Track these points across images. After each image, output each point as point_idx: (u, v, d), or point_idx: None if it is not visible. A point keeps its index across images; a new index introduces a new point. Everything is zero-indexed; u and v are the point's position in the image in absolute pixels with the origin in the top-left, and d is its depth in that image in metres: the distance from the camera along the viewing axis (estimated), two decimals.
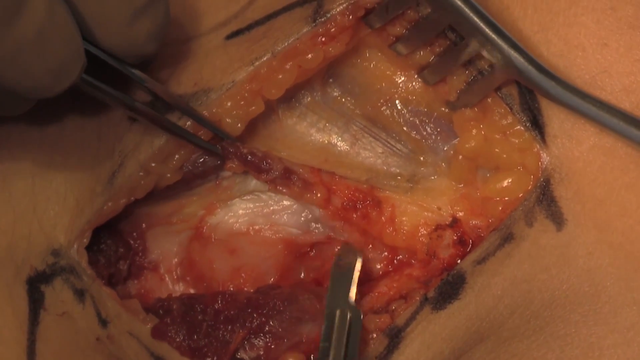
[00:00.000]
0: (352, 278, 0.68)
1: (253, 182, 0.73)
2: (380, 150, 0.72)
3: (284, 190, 0.70)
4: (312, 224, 0.73)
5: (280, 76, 0.66)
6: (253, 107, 0.66)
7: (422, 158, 0.71)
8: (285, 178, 0.70)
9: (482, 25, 0.61)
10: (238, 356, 0.67)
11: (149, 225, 0.73)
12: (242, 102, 0.66)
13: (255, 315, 0.67)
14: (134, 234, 0.73)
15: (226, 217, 0.74)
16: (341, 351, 0.64)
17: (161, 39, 0.61)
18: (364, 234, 0.72)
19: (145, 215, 0.73)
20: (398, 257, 0.72)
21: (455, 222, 0.69)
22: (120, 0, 0.58)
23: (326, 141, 0.72)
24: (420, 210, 0.71)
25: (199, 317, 0.67)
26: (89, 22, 0.58)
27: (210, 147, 0.68)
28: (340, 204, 0.71)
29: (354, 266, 0.69)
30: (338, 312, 0.66)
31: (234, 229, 0.73)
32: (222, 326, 0.67)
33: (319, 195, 0.70)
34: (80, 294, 0.66)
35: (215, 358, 0.66)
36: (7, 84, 0.54)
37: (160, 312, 0.68)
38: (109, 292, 0.67)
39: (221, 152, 0.68)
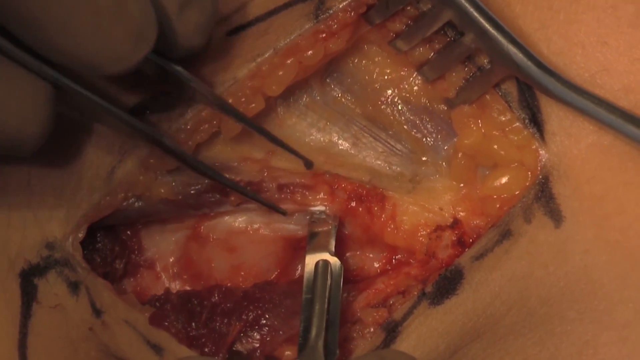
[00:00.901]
0: (330, 230, 0.68)
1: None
2: (381, 149, 0.72)
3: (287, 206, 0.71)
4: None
5: (281, 72, 0.65)
6: (253, 105, 0.66)
7: (423, 158, 0.71)
8: (281, 192, 0.70)
9: (481, 20, 0.61)
10: (235, 348, 0.67)
11: (144, 224, 0.73)
12: (243, 99, 0.66)
13: (251, 308, 0.67)
14: (129, 232, 0.72)
15: (225, 218, 0.74)
16: (325, 301, 0.64)
17: (209, 31, 0.60)
18: (366, 230, 0.72)
19: (142, 214, 0.72)
20: (397, 257, 0.72)
21: (456, 223, 0.69)
22: None
23: (327, 141, 0.72)
24: (421, 211, 0.71)
25: (197, 309, 0.67)
26: None
27: (247, 192, 0.69)
28: (346, 195, 0.71)
29: (332, 219, 0.69)
30: (320, 263, 0.66)
31: (232, 228, 0.73)
32: (218, 319, 0.67)
33: (321, 194, 0.71)
34: (74, 286, 0.66)
35: (213, 348, 0.66)
36: (87, 58, 0.53)
37: (157, 304, 0.68)
38: (105, 283, 0.67)
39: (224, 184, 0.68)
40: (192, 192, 0.69)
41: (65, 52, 0.52)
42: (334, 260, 0.66)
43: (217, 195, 0.70)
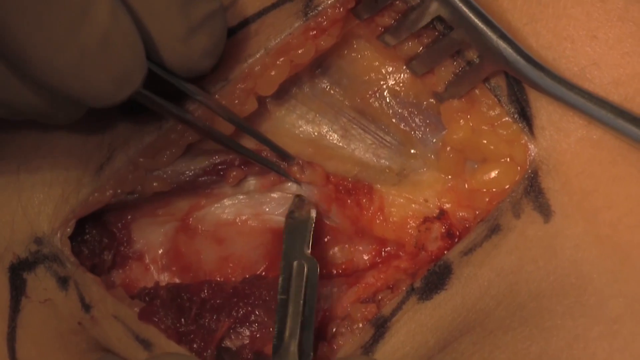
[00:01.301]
0: (307, 229, 0.68)
1: (246, 184, 0.73)
2: (370, 141, 0.72)
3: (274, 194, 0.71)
4: None
5: (273, 72, 0.65)
6: (246, 106, 0.66)
7: (412, 150, 0.71)
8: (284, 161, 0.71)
9: (470, 15, 0.61)
10: (224, 345, 0.67)
11: (134, 217, 0.73)
12: (236, 101, 0.66)
13: (241, 304, 0.67)
14: (119, 224, 0.72)
15: (212, 209, 0.73)
16: (299, 303, 0.64)
17: (218, 55, 0.61)
18: (355, 223, 0.72)
19: (131, 207, 0.72)
20: (386, 249, 0.72)
21: (442, 214, 0.69)
22: (176, 16, 0.57)
23: (316, 133, 0.72)
24: (407, 203, 0.71)
25: (187, 304, 0.67)
26: (144, 35, 0.57)
27: (273, 166, 0.70)
28: (336, 186, 0.71)
29: (309, 218, 0.69)
30: (295, 264, 0.66)
31: (221, 220, 0.73)
32: (208, 315, 0.67)
33: (319, 170, 0.71)
34: (63, 281, 0.66)
35: (201, 344, 0.66)
36: (70, 93, 0.54)
37: (147, 298, 0.68)
38: (94, 278, 0.67)
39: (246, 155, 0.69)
40: (186, 179, 0.69)
41: (47, 85, 0.53)
42: (310, 261, 0.66)
43: (213, 177, 0.70)
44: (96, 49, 0.52)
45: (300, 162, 0.70)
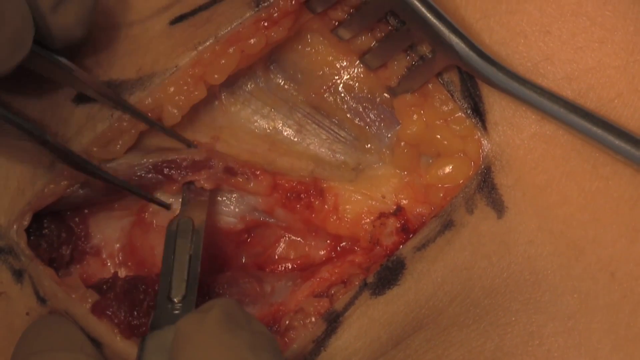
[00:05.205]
0: (203, 204, 0.69)
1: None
2: (324, 137, 0.72)
3: (226, 186, 0.71)
4: (249, 212, 0.72)
5: (223, 61, 0.65)
6: (196, 93, 0.66)
7: (366, 145, 0.71)
8: (228, 173, 0.70)
9: (423, 10, 0.61)
10: None
11: (91, 211, 0.72)
12: (185, 88, 0.66)
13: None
14: (77, 218, 0.72)
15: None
16: (185, 260, 0.64)
17: (90, 22, 0.60)
18: (307, 222, 0.72)
19: (88, 201, 0.71)
20: (341, 245, 0.72)
21: (399, 210, 0.69)
22: None
23: (271, 128, 0.72)
24: (364, 199, 0.71)
25: (141, 296, 0.67)
26: None
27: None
28: (284, 195, 0.71)
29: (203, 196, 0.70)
30: (181, 221, 0.67)
31: (174, 214, 0.72)
32: None
33: (264, 183, 0.70)
34: (18, 274, 0.66)
35: None
36: None
37: (104, 287, 0.68)
38: (47, 271, 0.66)
39: (164, 177, 0.69)
40: (137, 174, 0.69)
41: None
42: (197, 220, 0.67)
43: (159, 176, 0.70)
44: None
45: (247, 172, 0.70)
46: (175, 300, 0.62)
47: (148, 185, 0.70)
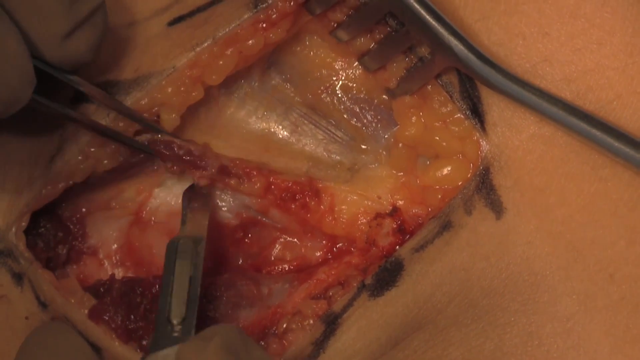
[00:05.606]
0: (204, 215, 0.68)
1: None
2: (321, 137, 0.72)
3: (220, 185, 0.71)
4: (244, 210, 0.72)
5: (221, 62, 0.66)
6: (193, 94, 0.66)
7: (363, 146, 0.71)
8: (222, 174, 0.70)
9: (422, 12, 0.61)
10: None
11: (88, 210, 0.72)
12: (183, 88, 0.66)
13: None
14: (74, 218, 0.72)
15: (168, 199, 0.73)
16: (185, 281, 0.64)
17: (99, 46, 0.61)
18: (303, 222, 0.72)
19: (85, 200, 0.72)
20: (338, 245, 0.72)
21: (395, 211, 0.69)
22: (61, 14, 0.57)
23: (266, 129, 0.72)
24: (360, 199, 0.71)
25: (138, 299, 0.67)
26: (26, 34, 0.57)
27: (143, 147, 0.68)
28: (279, 195, 0.71)
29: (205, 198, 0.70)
30: (181, 242, 0.65)
31: (172, 210, 0.73)
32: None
33: (258, 185, 0.70)
34: (18, 277, 0.66)
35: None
36: None
37: (102, 290, 0.67)
38: (46, 275, 0.66)
39: (155, 153, 0.68)
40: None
41: None
42: (199, 229, 0.67)
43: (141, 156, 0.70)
44: None
45: (241, 173, 0.70)
46: (174, 322, 0.62)
47: (137, 164, 0.71)
